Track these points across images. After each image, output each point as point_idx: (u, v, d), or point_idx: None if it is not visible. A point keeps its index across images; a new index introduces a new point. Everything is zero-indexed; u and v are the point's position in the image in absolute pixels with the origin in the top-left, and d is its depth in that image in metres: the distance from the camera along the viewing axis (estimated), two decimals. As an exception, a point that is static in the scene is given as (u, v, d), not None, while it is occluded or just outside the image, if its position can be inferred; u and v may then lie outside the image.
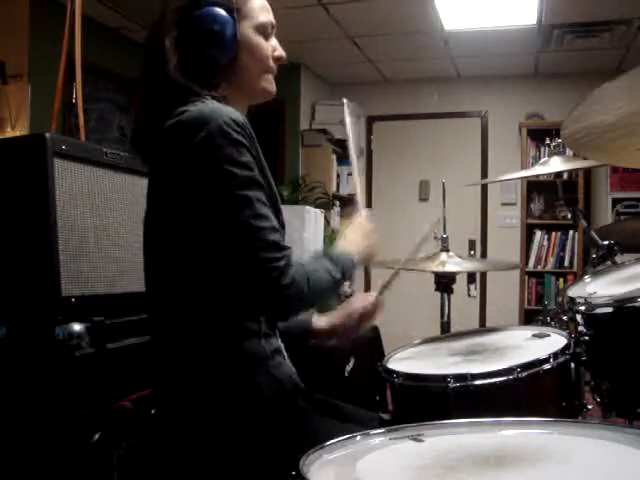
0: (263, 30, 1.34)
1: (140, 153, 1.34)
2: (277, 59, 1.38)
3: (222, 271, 1.20)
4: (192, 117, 1.19)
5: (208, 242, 1.19)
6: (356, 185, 1.62)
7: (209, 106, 1.20)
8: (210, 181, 1.16)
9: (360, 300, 1.54)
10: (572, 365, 1.35)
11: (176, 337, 1.26)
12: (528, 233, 5.44)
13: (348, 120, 1.67)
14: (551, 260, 5.40)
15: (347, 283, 3.04)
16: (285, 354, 1.35)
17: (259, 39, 1.33)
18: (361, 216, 1.48)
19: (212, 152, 1.16)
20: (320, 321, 1.56)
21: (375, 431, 1.04)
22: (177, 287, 1.25)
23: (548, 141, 5.33)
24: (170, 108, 1.23)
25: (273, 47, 1.37)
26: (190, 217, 1.20)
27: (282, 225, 1.29)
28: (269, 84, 1.38)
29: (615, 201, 5.27)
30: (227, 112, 1.19)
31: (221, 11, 1.27)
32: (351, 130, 1.66)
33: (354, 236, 1.43)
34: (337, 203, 5.59)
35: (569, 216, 2.52)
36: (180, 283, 1.25)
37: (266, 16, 1.35)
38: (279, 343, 1.35)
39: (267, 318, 1.30)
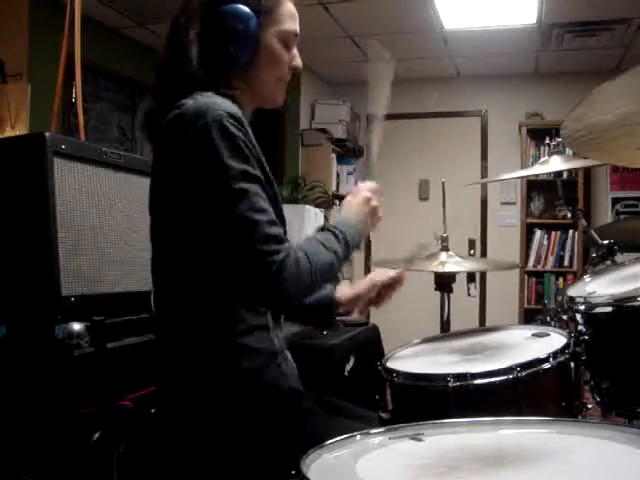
0: (286, 38, 1.34)
1: (150, 141, 1.33)
2: (293, 68, 1.37)
3: (226, 264, 1.20)
4: (190, 110, 1.18)
5: (209, 236, 1.19)
6: (373, 142, 1.58)
7: (207, 99, 1.20)
8: (207, 174, 1.16)
9: (383, 273, 1.61)
10: (572, 364, 1.35)
11: (183, 333, 1.26)
12: (528, 232, 5.44)
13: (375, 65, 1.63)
14: (551, 259, 5.40)
15: (346, 282, 3.04)
16: (286, 351, 1.36)
17: (280, 46, 1.33)
18: (359, 187, 1.44)
19: (209, 145, 1.15)
20: (344, 290, 1.59)
21: (375, 430, 1.04)
22: (183, 282, 1.25)
23: (548, 140, 5.33)
24: (180, 99, 1.22)
25: (292, 56, 1.36)
26: (190, 210, 1.20)
27: (283, 220, 1.29)
28: (279, 93, 1.38)
29: (615, 200, 5.28)
30: (225, 106, 1.19)
31: (246, 10, 1.27)
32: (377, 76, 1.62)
33: (354, 202, 1.39)
34: (337, 202, 5.59)
35: (569, 215, 2.52)
36: (186, 278, 1.25)
37: (292, 24, 1.34)
38: (282, 340, 1.35)
39: (271, 312, 1.30)
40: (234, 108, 1.20)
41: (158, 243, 1.30)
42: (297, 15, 1.36)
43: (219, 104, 1.19)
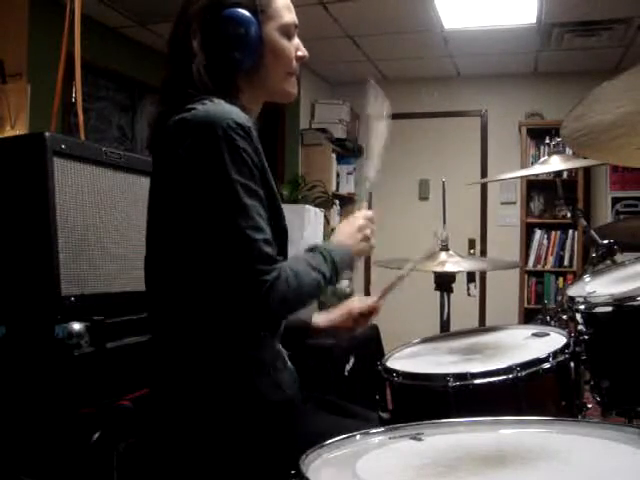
0: (287, 31, 1.33)
1: (150, 149, 1.33)
2: (300, 59, 1.37)
3: (220, 273, 1.20)
4: (197, 117, 1.17)
5: (205, 244, 1.19)
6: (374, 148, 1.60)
7: (216, 107, 1.19)
8: (210, 185, 1.16)
9: (359, 302, 1.57)
10: (572, 364, 1.35)
11: (176, 338, 1.25)
12: (528, 232, 5.44)
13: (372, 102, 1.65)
14: (551, 259, 5.40)
15: (346, 282, 3.05)
16: (286, 358, 1.35)
17: (283, 41, 1.32)
18: (357, 211, 1.46)
19: (215, 156, 1.15)
20: (319, 319, 1.57)
21: (375, 430, 1.04)
22: (177, 287, 1.25)
23: (548, 140, 5.34)
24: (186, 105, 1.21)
25: (296, 47, 1.36)
26: (188, 217, 1.20)
27: (284, 230, 1.28)
28: (291, 86, 1.37)
29: (615, 200, 5.28)
30: (232, 115, 1.18)
31: (246, 13, 1.26)
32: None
33: (347, 229, 1.41)
34: (337, 202, 5.60)
35: (569, 215, 2.53)
36: (180, 283, 1.24)
37: (290, 16, 1.34)
38: (279, 347, 1.34)
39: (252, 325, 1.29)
40: (242, 117, 1.19)
41: (155, 245, 1.29)
42: (292, 5, 1.35)
43: (228, 112, 1.18)
